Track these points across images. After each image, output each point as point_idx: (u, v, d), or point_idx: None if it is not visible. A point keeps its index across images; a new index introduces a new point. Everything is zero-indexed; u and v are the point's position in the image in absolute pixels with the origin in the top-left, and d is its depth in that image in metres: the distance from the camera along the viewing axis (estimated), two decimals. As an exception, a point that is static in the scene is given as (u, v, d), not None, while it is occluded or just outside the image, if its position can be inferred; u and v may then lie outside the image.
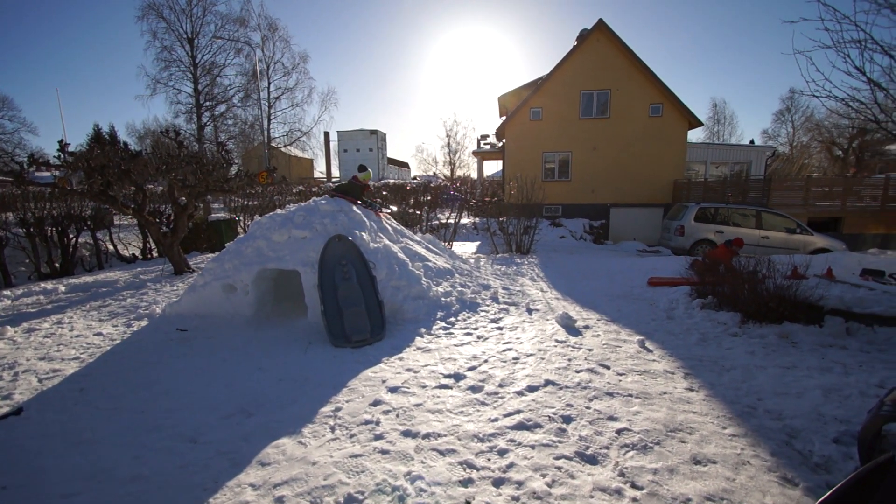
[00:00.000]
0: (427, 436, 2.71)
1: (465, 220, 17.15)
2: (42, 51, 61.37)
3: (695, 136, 20.62)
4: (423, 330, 4.69)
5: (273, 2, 74.29)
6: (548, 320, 5.09)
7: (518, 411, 2.96)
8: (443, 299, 5.48)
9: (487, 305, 5.61)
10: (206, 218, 13.74)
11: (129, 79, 73.95)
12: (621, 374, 3.55)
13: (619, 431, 2.71)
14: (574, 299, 6.14)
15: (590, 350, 4.08)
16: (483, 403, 3.12)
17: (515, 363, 3.81)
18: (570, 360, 3.84)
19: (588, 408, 3.00)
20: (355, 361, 3.93)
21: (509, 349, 4.16)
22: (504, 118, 21.34)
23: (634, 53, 18.60)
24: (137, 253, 12.50)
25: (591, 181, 19.65)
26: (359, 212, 6.03)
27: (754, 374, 3.55)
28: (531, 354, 3.99)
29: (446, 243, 11.50)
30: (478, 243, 14.70)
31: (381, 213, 6.73)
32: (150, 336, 5.04)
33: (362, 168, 6.61)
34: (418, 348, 4.25)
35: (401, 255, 5.85)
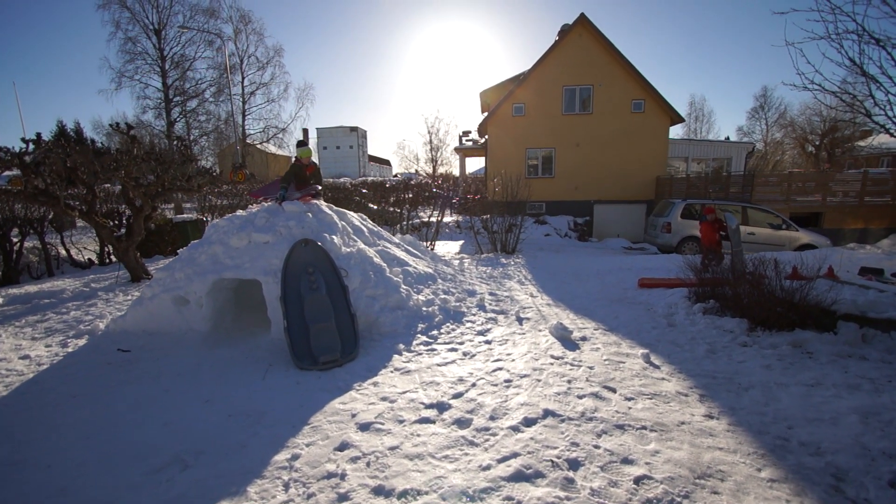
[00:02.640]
0: (404, 494, 2.18)
1: (447, 219, 16.64)
2: (-3, 42, 57.67)
3: (674, 132, 20.49)
4: (401, 346, 4.15)
5: (246, -7, 71.79)
6: (540, 331, 4.61)
7: (515, 454, 2.46)
8: (424, 309, 4.94)
9: (473, 315, 5.10)
10: (170, 219, 12.84)
11: (92, 72, 69.91)
12: (630, 399, 3.08)
13: (637, 480, 2.23)
14: (566, 305, 5.69)
15: (591, 368, 3.61)
16: (472, 443, 2.61)
17: (508, 387, 3.31)
18: (569, 381, 3.36)
19: (597, 447, 2.52)
20: (322, 389, 3.37)
21: (500, 368, 3.66)
22: (486, 114, 20.87)
23: (616, 48, 18.37)
24: (94, 258, 11.54)
25: (574, 178, 19.39)
26: (330, 212, 5.44)
27: (776, 395, 3.14)
28: (525, 375, 3.50)
29: (428, 243, 10.97)
30: (461, 242, 14.20)
31: (307, 199, 5.42)
32: (85, 359, 4.36)
33: (300, 144, 5.60)
34: (396, 369, 3.71)
35: (377, 259, 5.29)
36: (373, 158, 71.98)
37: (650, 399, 3.10)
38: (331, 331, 4.01)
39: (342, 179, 27.40)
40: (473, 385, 3.36)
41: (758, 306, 4.61)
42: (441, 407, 3.04)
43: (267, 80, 36.26)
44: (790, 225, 12.15)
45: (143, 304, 4.94)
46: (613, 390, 3.22)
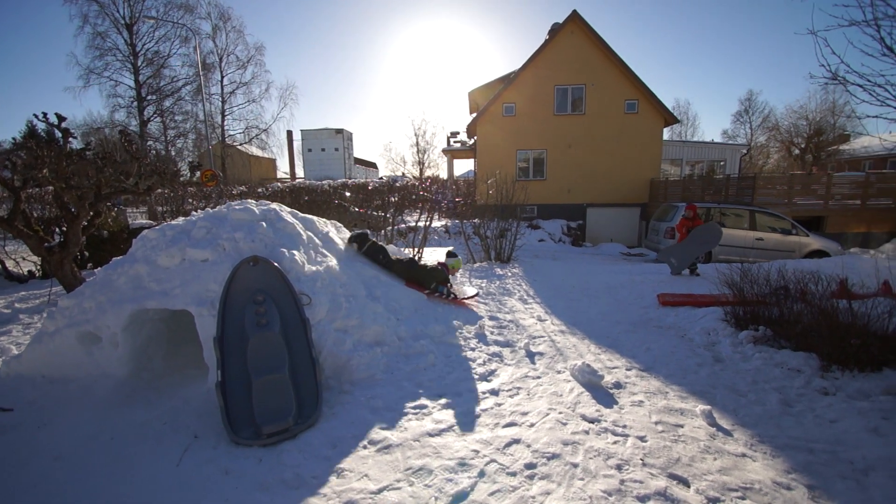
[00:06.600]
0: None
1: (436, 223, 15.62)
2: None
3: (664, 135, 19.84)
4: (380, 403, 3.08)
5: (225, -9, 69.52)
6: (560, 373, 3.60)
7: None
8: (410, 343, 3.89)
9: (472, 349, 4.07)
10: (127, 225, 11.51)
11: (58, 68, 66.13)
12: (713, 501, 2.09)
13: None
14: (583, 332, 4.70)
15: (642, 441, 2.61)
16: None
17: (532, 478, 2.29)
18: (619, 467, 2.36)
19: None
20: (259, 485, 2.29)
21: (515, 440, 2.63)
22: (475, 114, 19.97)
23: (609, 47, 17.70)
24: (36, 270, 10.15)
25: (566, 180, 18.64)
26: (292, 221, 4.35)
27: (916, 485, 2.19)
28: (553, 455, 2.47)
29: (415, 251, 9.91)
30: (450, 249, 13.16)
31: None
32: (-51, 422, 3.19)
33: (451, 255, 6.01)
34: (371, 443, 2.64)
35: (351, 279, 4.23)
36: (359, 161, 70.52)
37: (743, 499, 2.11)
38: (282, 385, 2.93)
39: (323, 182, 26.14)
40: (481, 474, 2.32)
41: (822, 335, 3.71)
42: (435, 522, 2.00)
43: (248, 79, 35.00)
44: (800, 230, 11.46)
45: (43, 341, 3.78)
46: (686, 483, 2.23)
